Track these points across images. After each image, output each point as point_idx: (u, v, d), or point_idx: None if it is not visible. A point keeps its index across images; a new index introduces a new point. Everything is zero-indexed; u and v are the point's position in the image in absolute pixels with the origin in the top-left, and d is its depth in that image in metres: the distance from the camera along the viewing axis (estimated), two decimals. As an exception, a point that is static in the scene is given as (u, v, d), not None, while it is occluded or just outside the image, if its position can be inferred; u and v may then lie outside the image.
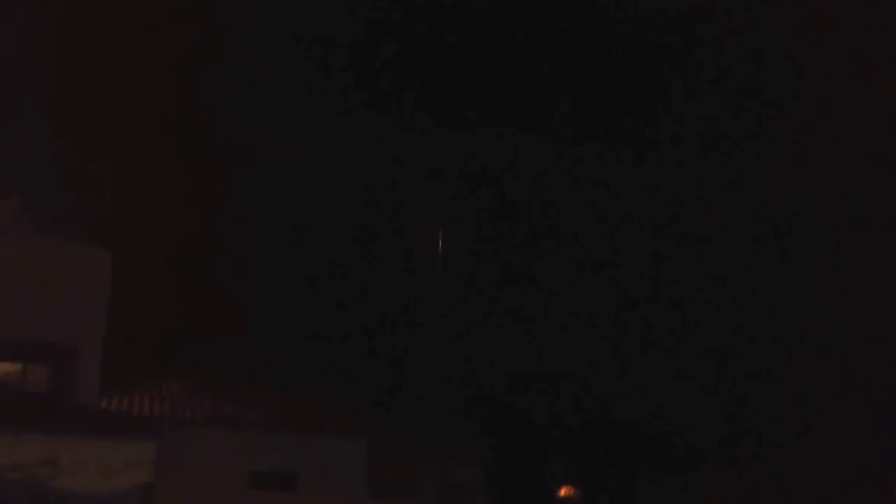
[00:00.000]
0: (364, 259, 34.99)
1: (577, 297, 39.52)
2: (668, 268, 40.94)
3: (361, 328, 35.74)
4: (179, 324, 26.60)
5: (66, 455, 10.19)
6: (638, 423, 39.80)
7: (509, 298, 38.07)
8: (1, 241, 14.77)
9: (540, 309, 38.60)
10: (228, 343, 29.79)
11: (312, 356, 32.66)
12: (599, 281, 40.42)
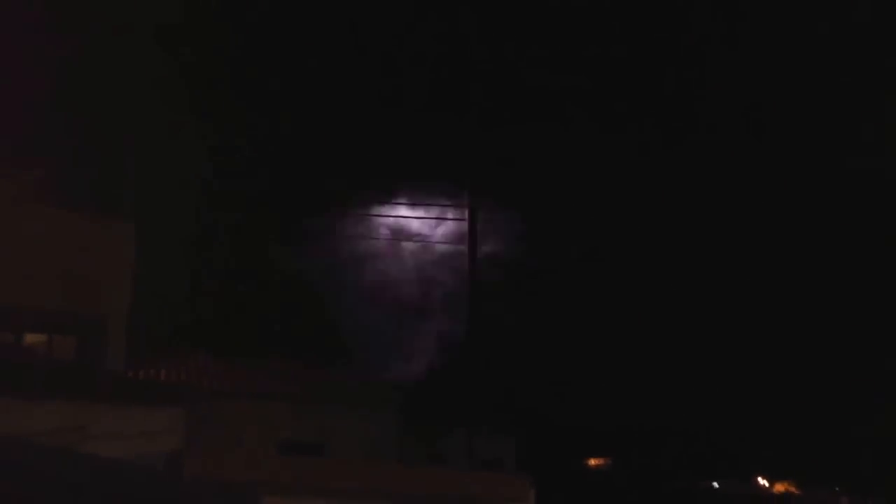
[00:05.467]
0: (399, 238, 34.89)
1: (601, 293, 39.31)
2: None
3: (390, 304, 35.72)
4: (208, 296, 26.64)
5: (94, 422, 10.10)
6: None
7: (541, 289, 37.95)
8: (27, 212, 14.72)
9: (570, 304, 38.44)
10: (257, 315, 29.86)
11: (342, 329, 32.72)
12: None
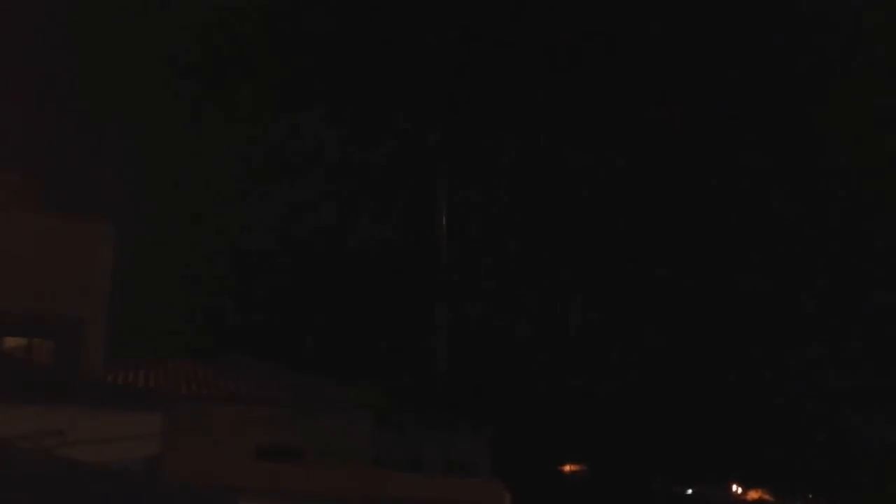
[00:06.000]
0: (375, 236, 34.98)
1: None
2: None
3: (369, 306, 35.82)
4: (185, 299, 26.66)
5: (73, 426, 10.16)
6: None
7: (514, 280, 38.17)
8: (5, 215, 14.71)
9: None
10: (238, 319, 29.89)
11: (320, 332, 32.76)
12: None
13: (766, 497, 49.80)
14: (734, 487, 50.41)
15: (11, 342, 14.37)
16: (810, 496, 49.54)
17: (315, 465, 16.65)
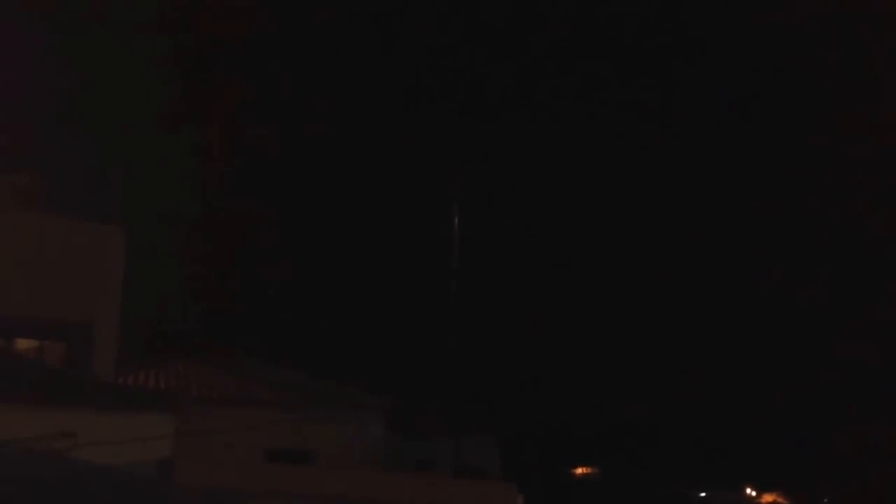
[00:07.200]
0: (386, 242, 34.98)
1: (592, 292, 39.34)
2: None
3: (380, 309, 35.80)
4: (199, 301, 26.69)
5: (84, 429, 10.13)
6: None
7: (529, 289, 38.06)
8: (16, 218, 14.74)
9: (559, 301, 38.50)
10: (248, 321, 29.90)
11: (331, 335, 32.75)
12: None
13: (781, 500, 49.61)
14: (748, 490, 50.23)
15: (23, 344, 14.40)
16: (826, 500, 49.31)
17: (326, 469, 16.62)
